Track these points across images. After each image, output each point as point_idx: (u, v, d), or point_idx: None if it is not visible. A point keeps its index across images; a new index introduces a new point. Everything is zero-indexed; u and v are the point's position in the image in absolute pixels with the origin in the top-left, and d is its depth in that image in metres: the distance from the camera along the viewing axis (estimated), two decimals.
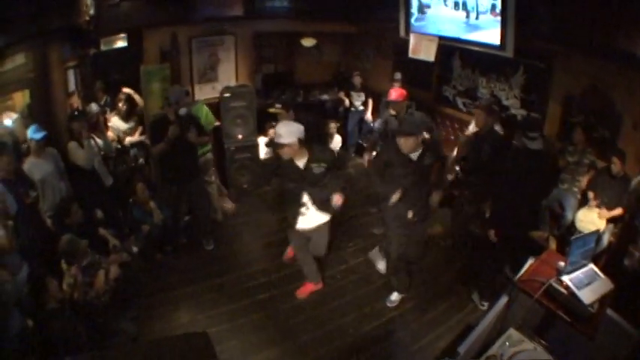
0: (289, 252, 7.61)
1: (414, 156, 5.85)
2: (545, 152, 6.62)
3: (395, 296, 6.81)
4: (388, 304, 6.76)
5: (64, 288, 5.47)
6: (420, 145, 5.84)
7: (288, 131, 5.70)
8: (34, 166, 6.35)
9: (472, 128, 8.57)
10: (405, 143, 5.72)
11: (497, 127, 7.73)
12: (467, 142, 7.68)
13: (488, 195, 6.99)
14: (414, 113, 7.62)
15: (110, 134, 8.40)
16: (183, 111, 7.08)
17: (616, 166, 6.91)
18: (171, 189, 7.62)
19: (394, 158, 5.99)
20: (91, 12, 7.64)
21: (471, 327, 5.57)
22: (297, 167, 5.97)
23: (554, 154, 7.75)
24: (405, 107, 8.25)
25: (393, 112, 8.26)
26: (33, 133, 6.31)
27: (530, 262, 5.16)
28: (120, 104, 9.24)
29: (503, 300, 4.98)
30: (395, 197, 5.92)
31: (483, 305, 6.75)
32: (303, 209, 6.27)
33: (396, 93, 8.27)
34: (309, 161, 5.95)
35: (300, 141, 5.74)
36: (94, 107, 8.09)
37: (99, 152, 7.45)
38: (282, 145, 5.67)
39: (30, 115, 7.19)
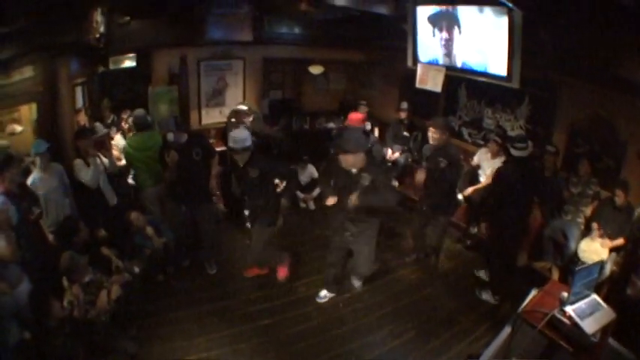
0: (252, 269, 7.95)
1: (355, 171, 6.21)
2: (532, 157, 7.19)
3: (324, 292, 7.41)
4: (317, 300, 7.32)
5: (65, 305, 5.47)
6: (363, 162, 6.17)
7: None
8: (39, 181, 6.38)
9: (476, 159, 8.70)
10: (345, 159, 6.12)
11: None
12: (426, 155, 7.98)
13: (448, 207, 7.76)
14: (353, 129, 7.97)
15: (115, 153, 8.24)
16: (171, 137, 7.16)
17: (620, 199, 6.96)
18: (179, 208, 7.74)
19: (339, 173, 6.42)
20: (101, 30, 7.66)
21: (473, 357, 5.57)
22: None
23: (542, 160, 8.06)
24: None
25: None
26: (36, 148, 6.33)
27: (533, 293, 5.18)
28: (123, 124, 9.29)
29: (507, 330, 4.99)
30: (330, 201, 6.55)
31: (496, 300, 7.28)
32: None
33: (354, 117, 9.20)
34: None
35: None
36: (100, 126, 8.05)
37: (104, 171, 7.40)
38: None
39: (36, 129, 7.22)
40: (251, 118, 9.08)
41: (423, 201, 7.96)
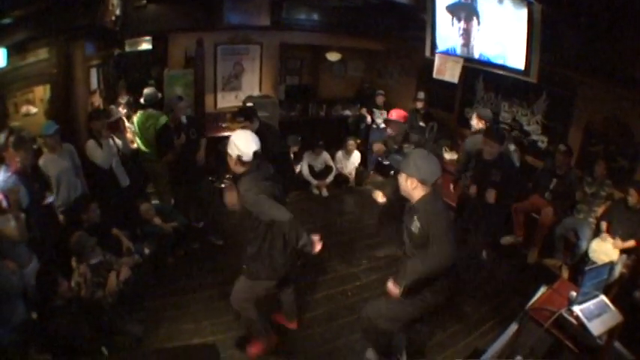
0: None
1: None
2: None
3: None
4: None
5: (72, 285, 5.52)
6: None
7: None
8: (50, 162, 6.42)
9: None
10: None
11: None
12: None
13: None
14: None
15: (129, 135, 8.42)
16: (184, 119, 7.68)
17: (633, 198, 6.90)
18: (182, 191, 8.02)
19: None
20: (117, 12, 7.67)
21: (479, 351, 5.55)
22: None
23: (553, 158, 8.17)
24: (403, 129, 8.35)
25: (391, 133, 8.43)
26: (46, 130, 6.36)
27: (542, 290, 5.14)
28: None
29: (513, 327, 4.96)
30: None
31: None
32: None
33: (396, 113, 8.50)
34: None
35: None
36: (114, 109, 8.10)
37: (117, 152, 7.46)
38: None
39: (48, 110, 7.24)
40: None
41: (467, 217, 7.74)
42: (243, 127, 6.91)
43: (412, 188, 4.48)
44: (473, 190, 7.39)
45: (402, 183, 4.57)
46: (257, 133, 6.85)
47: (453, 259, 4.46)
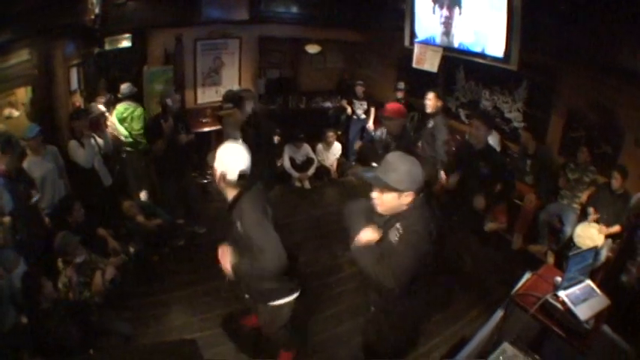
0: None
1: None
2: None
3: None
4: None
5: (60, 287, 5.45)
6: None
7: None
8: (34, 164, 6.35)
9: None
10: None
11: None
12: None
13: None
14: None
15: (110, 133, 8.40)
16: (169, 101, 7.47)
17: (617, 182, 6.92)
18: (170, 185, 7.93)
19: None
20: (97, 10, 7.65)
21: (466, 339, 5.55)
22: None
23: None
24: (401, 125, 7.50)
25: (381, 134, 7.73)
26: (28, 132, 6.31)
27: (527, 276, 5.13)
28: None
29: (499, 313, 4.95)
30: None
31: None
32: None
33: (391, 108, 7.49)
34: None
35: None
36: (95, 107, 8.09)
37: (99, 151, 7.47)
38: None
39: (29, 113, 7.18)
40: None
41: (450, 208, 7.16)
42: (231, 115, 6.86)
43: (406, 203, 3.69)
44: (454, 179, 6.95)
45: (388, 201, 3.71)
46: (252, 119, 6.76)
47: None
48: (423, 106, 8.49)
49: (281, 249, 4.05)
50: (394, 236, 3.76)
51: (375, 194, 3.74)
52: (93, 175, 7.24)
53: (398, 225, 3.75)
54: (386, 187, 3.61)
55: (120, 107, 8.52)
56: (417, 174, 3.64)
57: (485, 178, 6.59)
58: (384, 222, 3.89)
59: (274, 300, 4.75)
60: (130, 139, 8.62)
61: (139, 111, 8.59)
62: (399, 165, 3.61)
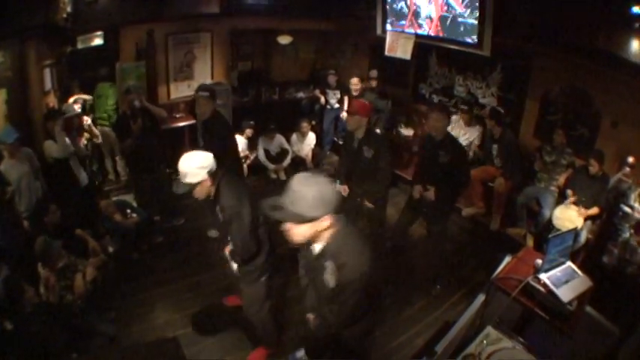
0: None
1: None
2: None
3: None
4: None
5: (41, 291, 5.37)
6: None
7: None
8: (10, 168, 6.29)
9: (449, 128, 8.70)
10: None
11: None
12: None
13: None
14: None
15: (85, 134, 8.41)
16: (137, 103, 7.54)
17: (594, 168, 6.98)
18: (143, 180, 8.03)
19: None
20: (69, 9, 7.55)
21: (449, 324, 5.55)
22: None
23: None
24: (365, 124, 6.69)
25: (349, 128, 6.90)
26: (5, 136, 6.21)
27: (507, 259, 5.14)
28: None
29: (481, 298, 4.95)
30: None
31: None
32: None
33: (355, 105, 6.87)
34: None
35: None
36: (69, 107, 8.00)
37: (74, 153, 7.33)
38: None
39: (6, 115, 7.11)
40: None
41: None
42: (204, 102, 6.91)
43: (324, 228, 3.33)
44: (430, 194, 6.52)
45: (304, 232, 3.33)
46: (208, 120, 6.81)
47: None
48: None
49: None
50: (329, 277, 3.46)
51: (287, 226, 3.35)
52: (69, 175, 7.18)
53: (327, 264, 3.44)
54: (298, 219, 3.24)
55: (98, 86, 9.44)
56: (329, 194, 3.24)
57: (444, 168, 6.34)
58: (313, 262, 3.61)
59: (252, 280, 4.96)
60: (104, 114, 9.34)
61: (112, 90, 9.46)
62: (306, 191, 3.21)
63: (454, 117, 9.45)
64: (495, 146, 8.36)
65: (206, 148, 4.83)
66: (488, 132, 8.60)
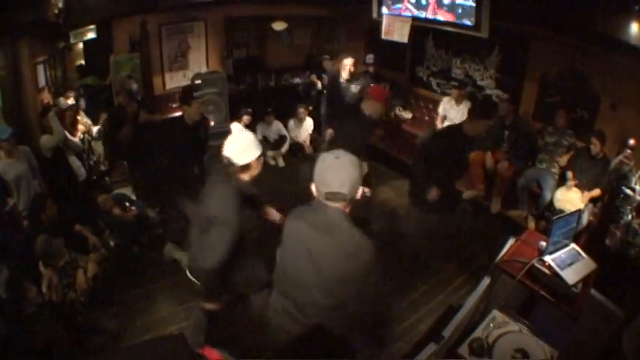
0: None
1: None
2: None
3: None
4: None
5: (43, 290, 5.36)
6: None
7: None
8: (8, 167, 6.26)
9: (441, 110, 8.67)
10: None
11: None
12: None
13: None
14: None
15: (81, 127, 8.32)
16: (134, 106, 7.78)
17: (595, 147, 6.99)
18: (141, 171, 8.06)
19: None
20: (60, 5, 7.51)
21: (453, 308, 5.56)
22: None
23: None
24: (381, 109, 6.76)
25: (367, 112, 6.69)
26: (1, 134, 6.19)
27: (510, 242, 5.13)
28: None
29: (486, 281, 4.94)
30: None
31: None
32: None
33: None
34: None
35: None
36: (63, 101, 8.01)
37: (71, 147, 7.43)
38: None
39: (3, 114, 7.10)
40: None
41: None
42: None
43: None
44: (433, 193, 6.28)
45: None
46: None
47: None
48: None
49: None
50: None
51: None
52: (67, 171, 7.22)
53: None
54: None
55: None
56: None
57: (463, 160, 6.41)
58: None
59: None
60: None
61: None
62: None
63: (445, 98, 9.58)
64: (507, 132, 8.29)
65: None
66: (499, 117, 8.47)
